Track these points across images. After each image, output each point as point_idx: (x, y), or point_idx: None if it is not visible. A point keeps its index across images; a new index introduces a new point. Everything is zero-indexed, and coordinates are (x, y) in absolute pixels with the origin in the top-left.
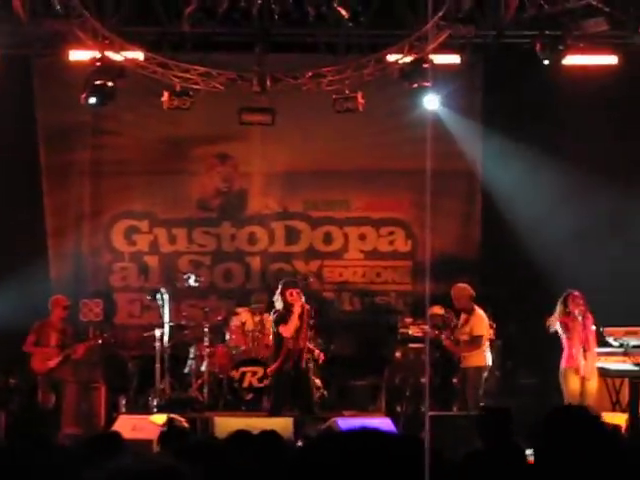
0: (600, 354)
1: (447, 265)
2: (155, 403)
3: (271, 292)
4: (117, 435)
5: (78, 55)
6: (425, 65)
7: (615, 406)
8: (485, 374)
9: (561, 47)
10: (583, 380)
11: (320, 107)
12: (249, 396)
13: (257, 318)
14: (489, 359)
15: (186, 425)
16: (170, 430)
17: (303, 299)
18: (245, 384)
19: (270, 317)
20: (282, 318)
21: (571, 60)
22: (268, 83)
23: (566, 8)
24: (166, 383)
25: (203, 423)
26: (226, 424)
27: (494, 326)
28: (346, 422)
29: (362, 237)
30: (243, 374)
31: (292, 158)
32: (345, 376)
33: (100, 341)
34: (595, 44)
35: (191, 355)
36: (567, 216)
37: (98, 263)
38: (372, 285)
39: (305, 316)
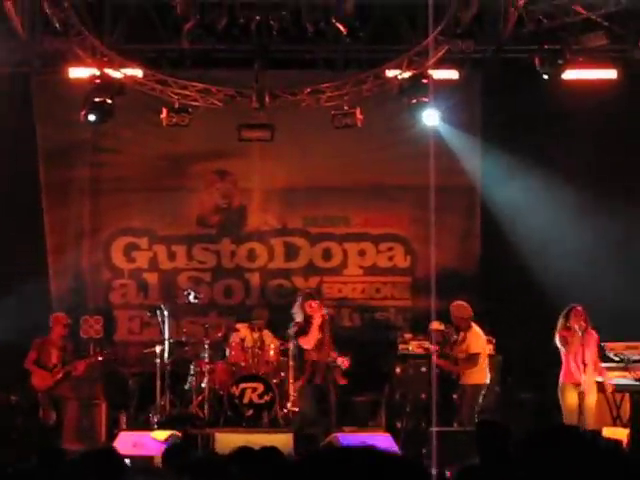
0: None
1: (447, 280)
2: (156, 420)
3: (271, 308)
4: (114, 451)
5: (77, 72)
6: (424, 80)
7: (616, 421)
8: (483, 392)
9: (560, 61)
10: (582, 395)
11: (319, 123)
12: (249, 412)
13: (256, 334)
14: (487, 377)
15: (187, 442)
16: (175, 446)
17: (324, 310)
18: (245, 400)
19: (289, 331)
20: (302, 330)
21: (570, 74)
22: (267, 99)
23: (565, 22)
24: (166, 400)
25: (204, 439)
26: (227, 440)
27: (493, 341)
28: (347, 438)
29: (361, 253)
30: (243, 390)
31: (291, 174)
32: (345, 392)
33: (100, 358)
34: (594, 58)
35: (191, 371)
36: (567, 230)
37: (98, 280)
38: (371, 301)
39: (327, 327)
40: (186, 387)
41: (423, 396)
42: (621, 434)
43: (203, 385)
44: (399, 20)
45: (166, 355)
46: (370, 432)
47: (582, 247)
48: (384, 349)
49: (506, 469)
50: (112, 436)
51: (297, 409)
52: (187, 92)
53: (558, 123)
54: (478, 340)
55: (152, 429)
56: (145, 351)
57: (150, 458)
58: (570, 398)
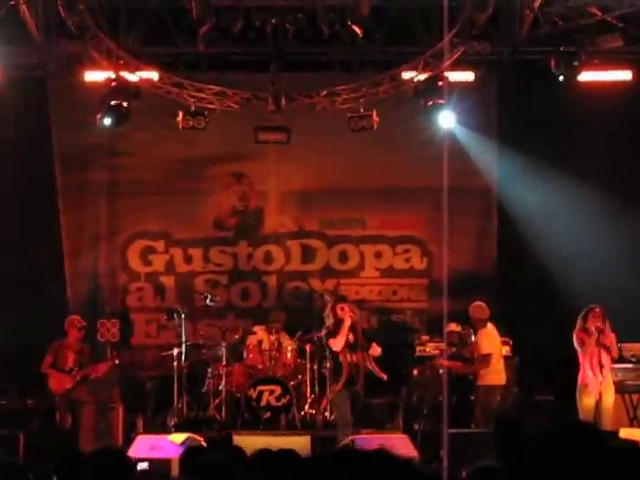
0: (617, 370)
1: (463, 282)
2: (173, 423)
3: (288, 310)
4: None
5: (93, 76)
6: (440, 82)
7: (632, 421)
8: (498, 393)
9: (576, 63)
10: (599, 396)
11: (335, 125)
12: (267, 415)
13: (274, 337)
14: (501, 378)
15: (204, 444)
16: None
17: (357, 315)
18: (263, 403)
19: (318, 334)
20: (331, 333)
21: (586, 76)
22: (283, 102)
23: (580, 24)
24: (184, 402)
25: (221, 442)
26: (244, 443)
27: (510, 343)
28: (364, 440)
29: (378, 255)
30: (260, 393)
31: (307, 176)
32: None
33: (117, 361)
34: (610, 60)
35: (208, 374)
36: (583, 231)
37: (114, 283)
38: (388, 303)
39: (358, 328)
40: (203, 390)
41: (440, 398)
42: (638, 435)
43: (220, 388)
44: (415, 22)
45: (183, 358)
46: (387, 434)
47: (599, 247)
48: (401, 351)
49: (521, 469)
50: (129, 439)
51: (332, 414)
52: (203, 95)
53: (573, 124)
54: (491, 341)
55: (169, 432)
56: (162, 354)
57: (167, 461)
58: (587, 399)
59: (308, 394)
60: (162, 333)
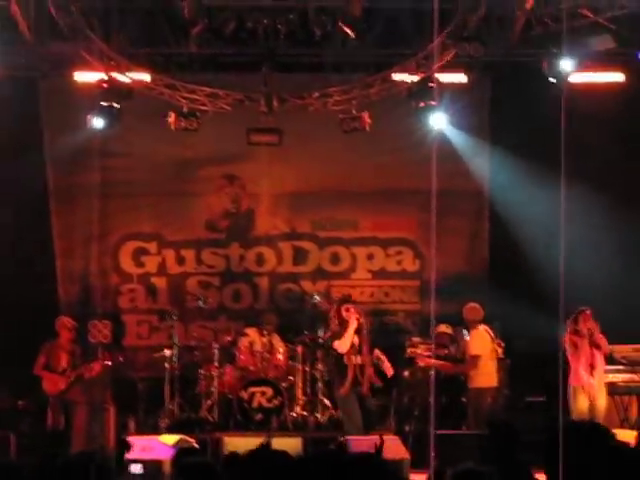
0: (608, 371)
1: (455, 284)
2: (164, 424)
3: (280, 312)
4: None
5: (85, 77)
6: (432, 84)
7: (623, 423)
8: (488, 395)
9: (568, 65)
10: (591, 398)
11: (327, 127)
12: (258, 416)
13: (265, 338)
14: (491, 380)
15: (196, 446)
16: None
17: (362, 317)
18: (254, 404)
19: (322, 336)
20: (336, 334)
21: (578, 78)
22: (275, 103)
23: (573, 26)
24: (175, 404)
25: (213, 444)
26: (236, 444)
27: (502, 345)
28: (355, 442)
29: (370, 257)
30: (252, 394)
31: (299, 178)
32: None
33: (109, 362)
34: (602, 62)
35: (200, 376)
36: (576, 234)
37: (106, 285)
38: (380, 305)
39: (364, 330)
40: (195, 391)
41: (431, 400)
42: (629, 436)
43: (212, 389)
44: (407, 23)
45: (175, 359)
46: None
47: (590, 250)
48: (393, 353)
49: (514, 472)
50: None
51: (339, 416)
52: (195, 96)
53: (567, 126)
54: (481, 342)
55: (161, 433)
56: (154, 355)
57: (159, 462)
58: (580, 402)
59: (300, 396)
60: (154, 334)
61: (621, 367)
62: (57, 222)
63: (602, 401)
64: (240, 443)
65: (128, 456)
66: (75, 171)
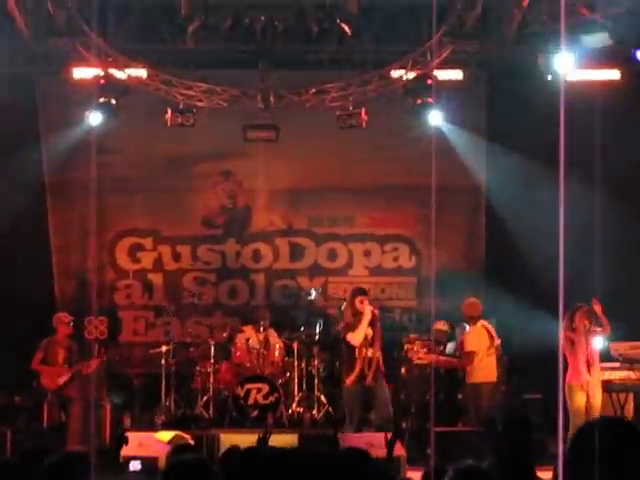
0: (605, 369)
1: (452, 280)
2: (160, 420)
3: (276, 309)
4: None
5: (81, 73)
6: (429, 81)
7: None
8: (484, 391)
9: (564, 62)
10: (588, 395)
11: (324, 123)
12: (254, 413)
13: (262, 335)
14: (487, 376)
15: (192, 442)
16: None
17: (377, 310)
18: (250, 401)
19: (336, 328)
20: (349, 326)
21: (575, 75)
22: (272, 100)
23: (569, 23)
24: (171, 400)
25: (209, 440)
26: (232, 441)
27: (499, 341)
28: (350, 439)
29: (367, 253)
30: (248, 391)
31: (296, 174)
32: None
33: (105, 358)
34: (598, 59)
35: (196, 372)
36: (572, 231)
37: (102, 281)
38: (377, 301)
39: (377, 323)
40: (191, 388)
41: (428, 396)
42: None
43: (208, 386)
44: (404, 20)
45: (171, 356)
46: (374, 432)
47: (588, 247)
48: (389, 349)
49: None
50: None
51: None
52: (192, 92)
53: (562, 123)
54: (475, 338)
55: (157, 430)
56: (150, 352)
57: (155, 459)
58: (578, 398)
59: (296, 392)
60: (150, 331)
61: (617, 364)
62: (53, 218)
63: (598, 398)
64: (236, 440)
65: (124, 452)
66: (71, 167)
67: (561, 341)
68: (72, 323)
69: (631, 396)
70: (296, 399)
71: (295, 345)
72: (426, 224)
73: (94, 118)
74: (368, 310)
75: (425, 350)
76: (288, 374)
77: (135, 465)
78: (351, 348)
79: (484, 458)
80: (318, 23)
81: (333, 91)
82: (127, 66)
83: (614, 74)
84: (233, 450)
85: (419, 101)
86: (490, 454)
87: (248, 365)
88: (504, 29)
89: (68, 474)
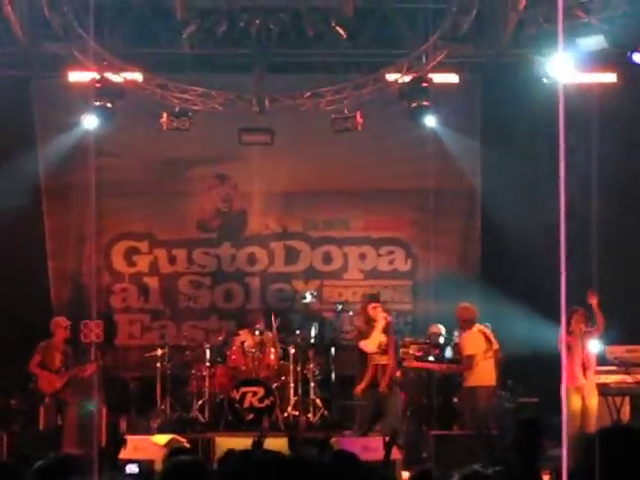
0: (601, 372)
1: (447, 283)
2: (156, 424)
3: (270, 312)
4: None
5: (77, 76)
6: (424, 84)
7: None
8: (481, 394)
9: (560, 66)
10: (583, 399)
11: (319, 127)
12: (250, 416)
13: (258, 338)
14: (483, 379)
15: (187, 445)
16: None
17: (390, 317)
18: (246, 404)
19: (347, 335)
20: (362, 333)
21: (571, 78)
22: (267, 103)
23: (565, 26)
24: (167, 404)
25: (204, 444)
26: (227, 444)
27: (498, 346)
28: (346, 442)
29: (362, 257)
30: (244, 394)
31: (291, 178)
32: (345, 396)
33: (101, 362)
34: (594, 62)
35: (192, 376)
36: (570, 234)
37: (98, 284)
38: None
39: (391, 330)
40: (186, 391)
41: (424, 400)
42: None
43: (203, 389)
44: (399, 24)
45: (167, 359)
46: (370, 436)
47: (583, 249)
48: None
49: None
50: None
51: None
52: (187, 96)
53: (557, 126)
54: (472, 342)
55: (152, 433)
56: (146, 355)
57: (151, 462)
58: (573, 402)
59: (291, 396)
60: (146, 334)
61: (613, 368)
62: (49, 222)
63: (594, 402)
64: (231, 443)
65: (121, 456)
66: (67, 171)
67: (559, 344)
68: (70, 327)
69: (627, 400)
70: (291, 402)
71: (290, 348)
72: (421, 227)
73: (90, 122)
74: (381, 317)
75: (421, 354)
76: (283, 377)
77: (132, 468)
78: (364, 355)
79: (480, 461)
80: (313, 26)
81: (328, 94)
82: (123, 70)
83: (610, 77)
84: (230, 453)
85: (414, 104)
86: (492, 458)
87: (243, 368)
88: (499, 32)
89: (56, 478)
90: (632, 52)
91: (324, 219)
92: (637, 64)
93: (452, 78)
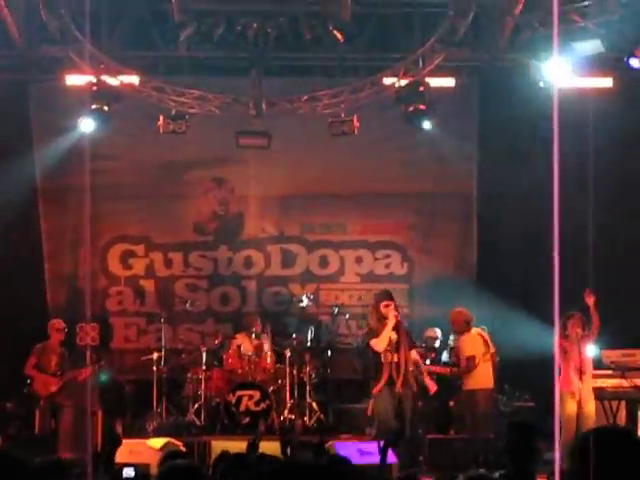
0: (597, 376)
1: (443, 287)
2: (152, 427)
3: (266, 315)
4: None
5: (74, 80)
6: (421, 88)
7: None
8: (480, 397)
9: (557, 70)
10: (580, 403)
11: (316, 130)
12: (246, 420)
13: (254, 341)
14: (481, 382)
15: (183, 449)
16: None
17: (399, 315)
18: (242, 408)
19: (360, 334)
20: (373, 332)
21: (567, 83)
22: (264, 107)
23: (562, 31)
24: (163, 407)
25: (200, 447)
26: (223, 448)
27: (494, 349)
28: (343, 446)
29: (358, 260)
30: (240, 398)
31: (288, 181)
32: (342, 399)
33: (96, 365)
34: (590, 66)
35: (188, 379)
36: (565, 237)
37: (94, 287)
38: (368, 308)
39: (402, 327)
40: (182, 395)
41: (420, 403)
42: None
43: (199, 392)
44: (396, 28)
45: (162, 362)
46: (367, 439)
47: (579, 253)
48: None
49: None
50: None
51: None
52: (184, 99)
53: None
54: (473, 344)
55: (148, 437)
56: (142, 358)
57: (147, 466)
58: (569, 406)
59: (287, 399)
60: (142, 337)
61: (610, 372)
62: (46, 224)
63: (591, 406)
64: (227, 446)
65: (117, 459)
66: (64, 173)
67: (554, 348)
68: (66, 330)
69: (623, 404)
70: (287, 406)
71: (287, 352)
72: (418, 231)
73: (86, 125)
74: (392, 315)
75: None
76: (280, 381)
77: (128, 472)
78: (377, 354)
79: (475, 465)
80: (311, 30)
81: (325, 98)
82: (119, 73)
83: (607, 81)
84: (224, 455)
85: (411, 108)
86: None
87: (240, 372)
88: (496, 36)
89: None
90: (629, 57)
91: (321, 222)
92: (634, 68)
93: (449, 82)
